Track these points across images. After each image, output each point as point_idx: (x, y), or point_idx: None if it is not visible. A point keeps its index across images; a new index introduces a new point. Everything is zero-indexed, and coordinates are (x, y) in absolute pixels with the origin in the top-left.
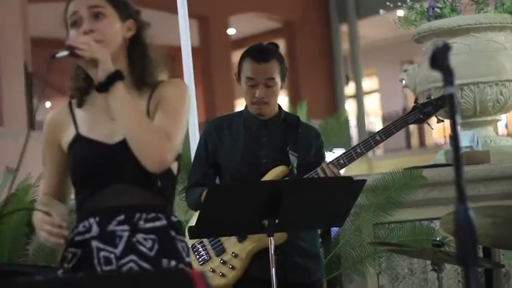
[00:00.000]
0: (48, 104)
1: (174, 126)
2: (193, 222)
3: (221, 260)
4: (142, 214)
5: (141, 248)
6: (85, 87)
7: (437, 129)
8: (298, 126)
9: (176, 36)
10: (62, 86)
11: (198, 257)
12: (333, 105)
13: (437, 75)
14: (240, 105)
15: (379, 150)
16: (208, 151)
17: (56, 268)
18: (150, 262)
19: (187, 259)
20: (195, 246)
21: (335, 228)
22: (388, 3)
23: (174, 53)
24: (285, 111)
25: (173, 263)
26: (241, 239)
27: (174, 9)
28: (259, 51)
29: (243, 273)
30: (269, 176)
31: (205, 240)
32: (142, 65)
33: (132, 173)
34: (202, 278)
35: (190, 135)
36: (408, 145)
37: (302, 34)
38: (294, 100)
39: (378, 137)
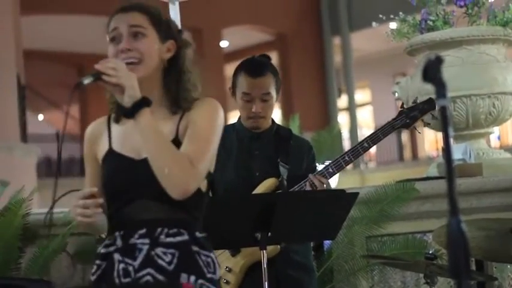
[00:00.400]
0: (40, 117)
1: (200, 151)
2: None
3: None
4: (164, 229)
5: (160, 261)
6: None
7: (430, 142)
8: (290, 138)
9: None
10: (55, 98)
11: None
12: (326, 117)
13: (429, 87)
14: (232, 117)
15: (371, 163)
16: None
17: (49, 282)
18: (167, 276)
19: (209, 275)
20: None
21: (328, 241)
22: (380, 16)
23: None
24: (277, 124)
25: (192, 278)
26: (234, 253)
27: None
28: (254, 66)
29: (238, 287)
30: (260, 189)
31: None
32: (177, 90)
33: (156, 188)
34: None
35: None
36: (401, 158)
37: (295, 47)
38: (286, 112)
39: (365, 144)
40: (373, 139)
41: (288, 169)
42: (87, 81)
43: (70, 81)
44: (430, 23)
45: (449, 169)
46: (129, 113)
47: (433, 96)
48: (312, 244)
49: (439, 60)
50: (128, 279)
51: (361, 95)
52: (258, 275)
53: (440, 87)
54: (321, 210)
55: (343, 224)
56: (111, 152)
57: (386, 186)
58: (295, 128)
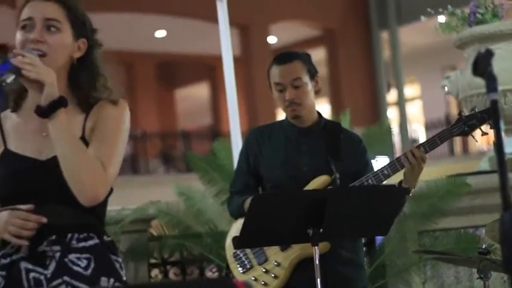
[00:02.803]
0: None
1: (110, 155)
2: (233, 232)
3: (264, 269)
4: (74, 234)
5: (75, 267)
6: (20, 90)
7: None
8: (339, 133)
9: (217, 46)
10: None
11: (240, 265)
12: (375, 112)
13: (480, 81)
14: (281, 113)
15: None
16: (249, 161)
17: None
18: (86, 281)
19: (124, 278)
20: (237, 254)
21: (380, 237)
22: (429, 10)
23: (216, 63)
24: (325, 119)
25: (112, 280)
26: (284, 247)
27: (214, 19)
28: (282, 55)
29: (286, 282)
30: (312, 186)
31: (247, 249)
32: (88, 87)
33: (65, 192)
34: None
35: (232, 144)
36: (451, 152)
37: (343, 42)
38: (336, 108)
39: (422, 149)
40: (430, 144)
41: (341, 165)
42: (10, 79)
43: (120, 79)
44: (479, 16)
45: (501, 163)
46: (44, 111)
47: (484, 89)
48: (363, 240)
49: (489, 54)
50: None
51: (411, 90)
52: (307, 271)
53: (491, 81)
54: (372, 206)
55: (394, 220)
56: (7, 153)
57: (438, 181)
58: (346, 123)
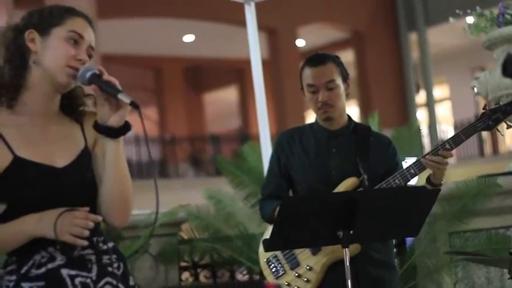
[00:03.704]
0: None
1: None
2: (266, 235)
3: (296, 273)
4: (97, 237)
5: (110, 269)
6: (18, 85)
7: (511, 136)
8: (369, 136)
9: (245, 49)
10: None
11: (273, 270)
12: (404, 114)
13: (509, 82)
14: (310, 116)
15: (452, 159)
16: (280, 163)
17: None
18: (121, 281)
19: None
20: (269, 260)
21: (410, 238)
22: (457, 11)
23: (244, 66)
24: (355, 122)
25: (131, 278)
26: (315, 251)
27: (242, 22)
28: (315, 57)
29: (318, 286)
30: (340, 188)
31: (279, 254)
32: (81, 96)
33: (82, 197)
34: None
35: (262, 147)
36: (481, 153)
37: (371, 44)
38: (365, 110)
39: (447, 145)
40: (455, 140)
41: (368, 167)
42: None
43: (147, 84)
44: (508, 16)
45: None
46: (117, 133)
47: None
48: (394, 241)
49: None
50: None
51: (440, 91)
52: (339, 274)
53: None
54: (402, 207)
55: (425, 221)
56: (19, 160)
57: (468, 181)
58: (374, 125)
